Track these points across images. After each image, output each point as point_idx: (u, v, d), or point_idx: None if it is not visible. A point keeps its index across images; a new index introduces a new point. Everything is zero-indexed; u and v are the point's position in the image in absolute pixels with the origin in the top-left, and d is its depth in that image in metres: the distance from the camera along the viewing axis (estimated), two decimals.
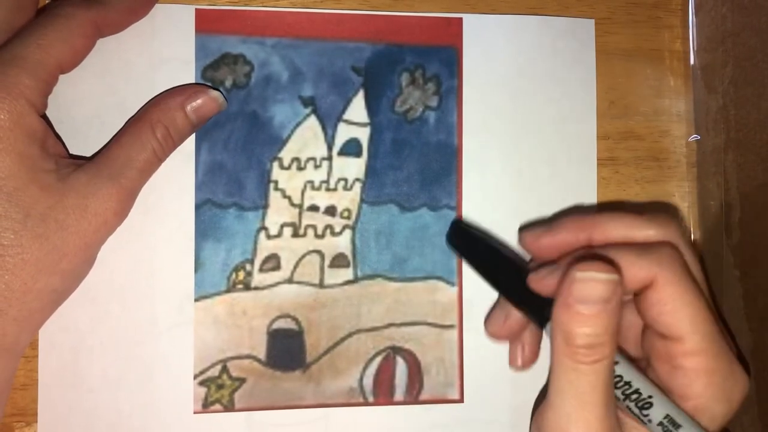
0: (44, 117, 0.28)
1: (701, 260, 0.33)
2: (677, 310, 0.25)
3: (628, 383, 0.25)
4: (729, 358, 0.25)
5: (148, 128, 0.28)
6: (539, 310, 0.27)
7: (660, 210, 0.34)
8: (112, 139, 0.29)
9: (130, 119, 0.30)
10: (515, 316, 0.30)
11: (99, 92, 0.31)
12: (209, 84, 0.31)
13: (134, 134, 0.28)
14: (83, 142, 0.30)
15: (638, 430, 0.26)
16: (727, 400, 0.25)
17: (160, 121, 0.29)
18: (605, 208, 0.34)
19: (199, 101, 0.30)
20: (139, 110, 0.30)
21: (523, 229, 0.31)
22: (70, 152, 0.30)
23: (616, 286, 0.24)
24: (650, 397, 0.25)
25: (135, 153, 0.28)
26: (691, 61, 0.35)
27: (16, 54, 0.26)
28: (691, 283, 0.25)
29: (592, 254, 0.26)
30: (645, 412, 0.25)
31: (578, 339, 0.23)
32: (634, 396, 0.25)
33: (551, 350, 0.25)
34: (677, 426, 0.24)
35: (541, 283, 0.27)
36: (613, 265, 0.24)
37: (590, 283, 0.23)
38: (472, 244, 0.31)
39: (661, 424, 0.24)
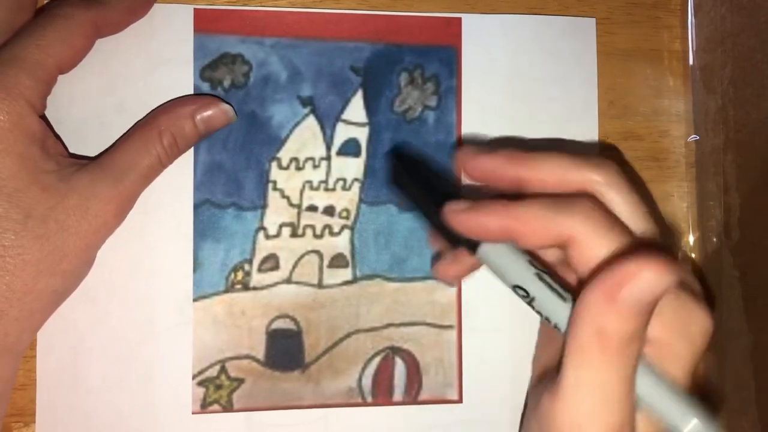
0: (43, 117, 0.28)
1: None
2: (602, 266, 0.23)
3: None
4: (680, 297, 0.23)
5: (155, 134, 0.28)
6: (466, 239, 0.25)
7: (600, 153, 0.33)
8: (117, 141, 0.29)
9: (137, 123, 0.30)
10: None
11: (98, 92, 0.31)
12: (209, 83, 0.31)
13: (140, 139, 0.28)
14: (82, 142, 0.30)
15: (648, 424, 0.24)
16: (686, 337, 0.23)
17: (168, 129, 0.29)
18: None
19: (209, 112, 0.30)
20: (148, 114, 0.30)
21: (462, 146, 0.30)
22: (70, 152, 0.30)
23: (670, 284, 0.21)
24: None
25: (139, 158, 0.28)
26: (691, 62, 0.34)
27: (15, 54, 0.26)
28: (612, 238, 0.23)
29: (649, 244, 0.23)
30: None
31: (617, 334, 0.21)
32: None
33: (571, 337, 0.22)
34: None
35: (456, 217, 0.25)
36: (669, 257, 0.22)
37: (649, 280, 0.21)
38: (409, 174, 0.29)
39: None
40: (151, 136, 0.28)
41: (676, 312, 0.23)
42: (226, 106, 0.30)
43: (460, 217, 0.25)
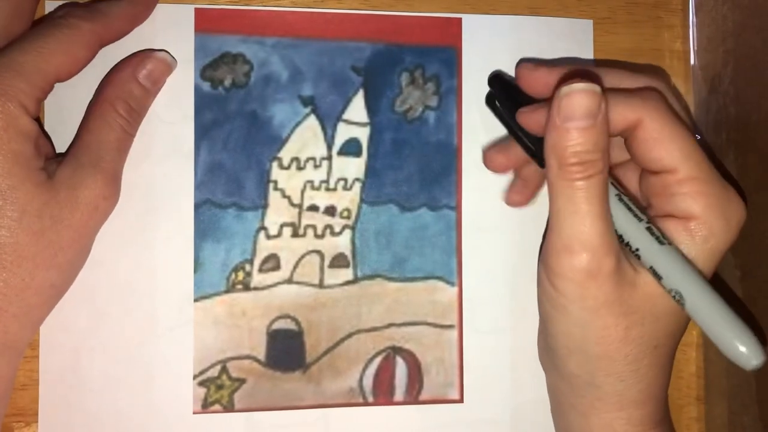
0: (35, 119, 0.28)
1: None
2: (666, 143, 0.26)
3: (620, 236, 0.26)
4: (722, 183, 0.26)
5: (109, 107, 0.29)
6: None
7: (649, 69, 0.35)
8: (78, 128, 0.29)
9: (89, 103, 0.30)
10: (515, 151, 0.30)
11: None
12: (210, 82, 0.31)
13: (98, 117, 0.28)
14: None
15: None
16: (724, 217, 0.26)
17: (119, 97, 0.29)
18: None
19: (148, 66, 0.30)
20: (95, 92, 0.30)
21: (524, 60, 0.32)
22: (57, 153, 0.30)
23: (599, 98, 0.24)
24: (637, 249, 0.26)
25: (105, 135, 0.28)
26: (692, 61, 0.34)
27: (15, 59, 0.26)
28: (676, 120, 0.26)
29: (577, 72, 0.27)
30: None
31: (570, 157, 0.24)
32: (626, 247, 0.27)
33: (548, 180, 0.26)
34: (658, 278, 0.26)
35: (527, 116, 0.28)
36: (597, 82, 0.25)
37: (574, 97, 0.24)
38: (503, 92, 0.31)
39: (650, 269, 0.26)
40: (106, 110, 0.29)
41: (718, 195, 0.26)
42: (163, 54, 0.30)
43: (533, 114, 0.28)
